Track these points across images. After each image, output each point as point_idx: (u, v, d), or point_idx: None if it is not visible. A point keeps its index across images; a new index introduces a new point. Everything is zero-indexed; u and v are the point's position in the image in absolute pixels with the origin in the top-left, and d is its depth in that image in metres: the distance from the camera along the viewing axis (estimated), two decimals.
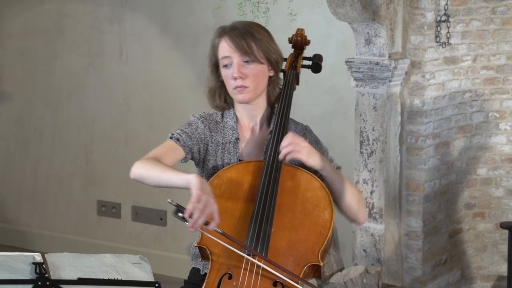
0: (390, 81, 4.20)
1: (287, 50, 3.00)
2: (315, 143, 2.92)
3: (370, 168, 4.26)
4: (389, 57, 4.20)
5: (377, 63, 4.18)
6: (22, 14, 6.13)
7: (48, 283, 2.32)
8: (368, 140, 4.27)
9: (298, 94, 5.18)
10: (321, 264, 2.65)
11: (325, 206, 2.72)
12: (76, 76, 5.97)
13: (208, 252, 2.65)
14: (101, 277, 2.36)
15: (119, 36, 5.77)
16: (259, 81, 2.83)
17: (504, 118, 4.56)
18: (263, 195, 2.68)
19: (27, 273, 2.32)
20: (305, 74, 5.04)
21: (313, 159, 2.72)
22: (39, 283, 2.32)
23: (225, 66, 2.82)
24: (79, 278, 2.35)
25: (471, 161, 4.57)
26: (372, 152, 4.26)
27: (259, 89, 2.85)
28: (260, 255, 2.59)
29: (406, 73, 4.28)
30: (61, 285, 2.34)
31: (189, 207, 2.49)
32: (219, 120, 2.91)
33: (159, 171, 2.67)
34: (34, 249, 5.95)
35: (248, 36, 2.80)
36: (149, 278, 2.39)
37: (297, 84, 2.98)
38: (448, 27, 4.29)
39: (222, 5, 4.65)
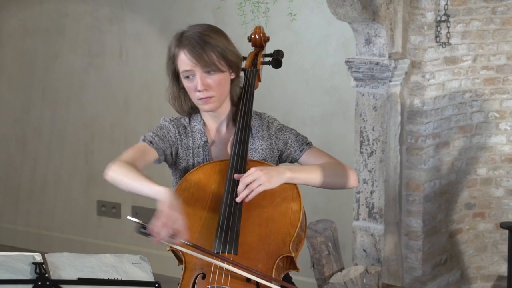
0: (390, 81, 4.20)
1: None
2: (279, 130, 2.93)
3: (370, 168, 4.26)
4: (389, 57, 4.20)
5: (377, 63, 4.18)
6: (21, 14, 6.13)
7: (48, 283, 2.32)
8: (368, 140, 4.27)
9: (298, 94, 5.21)
10: (293, 255, 2.67)
11: (293, 198, 2.75)
12: (76, 76, 5.96)
13: (181, 255, 2.69)
14: (101, 277, 2.36)
15: (119, 36, 5.76)
16: (223, 88, 2.85)
17: (504, 118, 4.56)
18: (229, 193, 2.71)
19: (27, 273, 2.31)
20: (305, 74, 5.06)
21: (274, 180, 2.73)
22: (39, 283, 2.32)
23: (187, 77, 2.83)
24: (79, 278, 2.35)
25: (471, 161, 4.57)
26: (372, 152, 4.26)
27: (224, 96, 2.87)
28: (228, 259, 2.61)
29: (406, 73, 4.28)
30: (61, 285, 2.34)
31: (153, 222, 2.51)
32: (186, 124, 2.94)
33: (132, 178, 2.69)
34: (34, 249, 5.95)
35: (207, 46, 2.80)
36: (149, 278, 2.39)
37: (259, 81, 3.01)
38: (448, 27, 4.29)
39: (222, 5, 4.65)
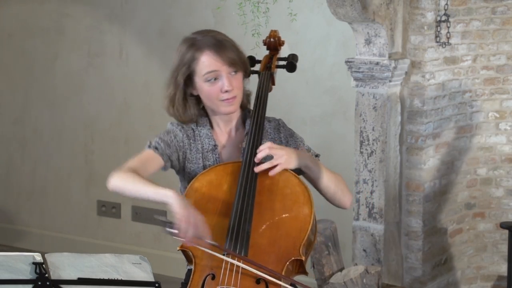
0: (390, 81, 4.20)
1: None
2: (290, 136, 2.95)
3: (370, 168, 4.26)
4: (389, 57, 4.20)
5: (377, 63, 4.18)
6: (22, 14, 6.13)
7: (48, 283, 2.33)
8: (368, 140, 4.27)
9: (298, 94, 5.21)
10: (303, 258, 2.68)
11: (304, 201, 2.76)
12: (76, 76, 5.96)
13: (191, 255, 2.68)
14: (101, 277, 2.36)
15: (119, 36, 5.76)
16: (242, 89, 2.88)
17: (504, 118, 4.56)
18: (241, 194, 2.71)
19: (27, 273, 2.32)
20: (305, 74, 5.06)
21: (294, 162, 2.75)
22: (39, 283, 2.32)
23: (209, 81, 2.82)
24: (79, 278, 2.35)
25: (471, 161, 4.57)
26: (372, 152, 4.26)
27: (242, 97, 2.90)
28: (239, 255, 2.62)
29: (406, 73, 4.28)
30: (61, 285, 2.34)
31: (179, 226, 2.54)
32: (194, 128, 2.94)
33: (136, 183, 2.69)
34: (34, 249, 5.95)
35: (227, 45, 2.82)
36: (149, 278, 2.39)
37: (273, 84, 3.01)
38: (448, 27, 4.29)
39: (222, 5, 4.65)
